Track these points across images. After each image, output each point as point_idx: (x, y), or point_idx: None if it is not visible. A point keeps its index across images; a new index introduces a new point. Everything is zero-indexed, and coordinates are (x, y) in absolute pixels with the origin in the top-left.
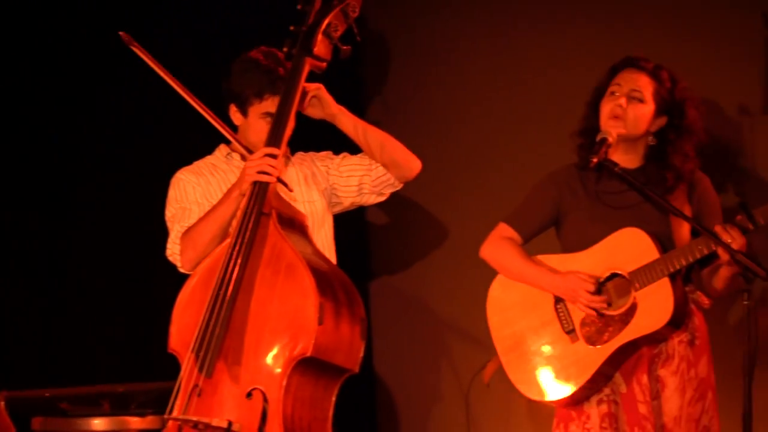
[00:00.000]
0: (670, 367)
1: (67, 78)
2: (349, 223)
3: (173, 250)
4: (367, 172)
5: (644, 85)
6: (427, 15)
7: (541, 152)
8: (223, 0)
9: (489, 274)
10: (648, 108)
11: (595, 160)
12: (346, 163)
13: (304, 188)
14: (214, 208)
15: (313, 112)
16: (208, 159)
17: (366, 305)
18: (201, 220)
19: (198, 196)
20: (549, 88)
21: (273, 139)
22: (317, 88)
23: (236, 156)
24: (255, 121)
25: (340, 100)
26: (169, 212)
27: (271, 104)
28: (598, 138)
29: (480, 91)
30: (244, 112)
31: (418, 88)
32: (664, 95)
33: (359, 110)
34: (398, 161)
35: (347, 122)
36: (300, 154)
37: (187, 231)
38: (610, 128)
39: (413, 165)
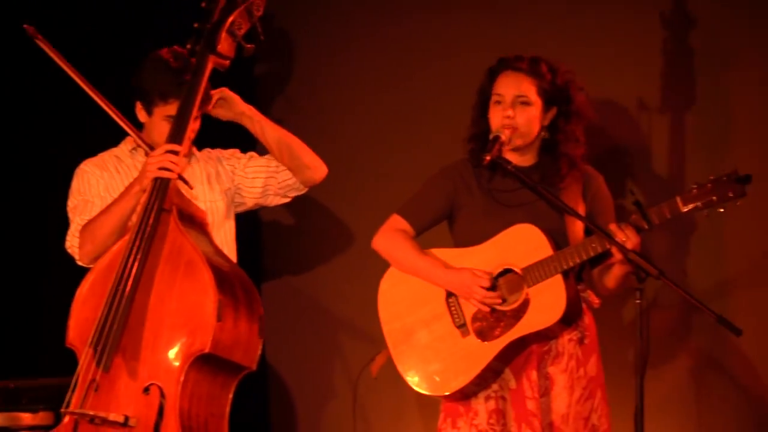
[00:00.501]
0: (560, 365)
1: None
2: (242, 221)
3: (72, 243)
4: (273, 175)
5: (526, 87)
6: (319, 12)
7: (433, 146)
8: None
9: (381, 269)
10: (536, 108)
11: (488, 158)
12: (252, 164)
13: (206, 187)
14: (114, 202)
15: (221, 113)
16: (114, 151)
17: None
18: (101, 214)
19: (101, 190)
20: (439, 81)
21: (175, 136)
22: (221, 91)
23: (141, 151)
24: (158, 122)
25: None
26: (71, 203)
27: (175, 107)
28: (492, 136)
29: (371, 86)
30: (149, 111)
31: (312, 85)
32: (548, 88)
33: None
34: (304, 165)
35: (254, 123)
36: (207, 151)
37: (87, 224)
38: (502, 137)
39: (319, 170)
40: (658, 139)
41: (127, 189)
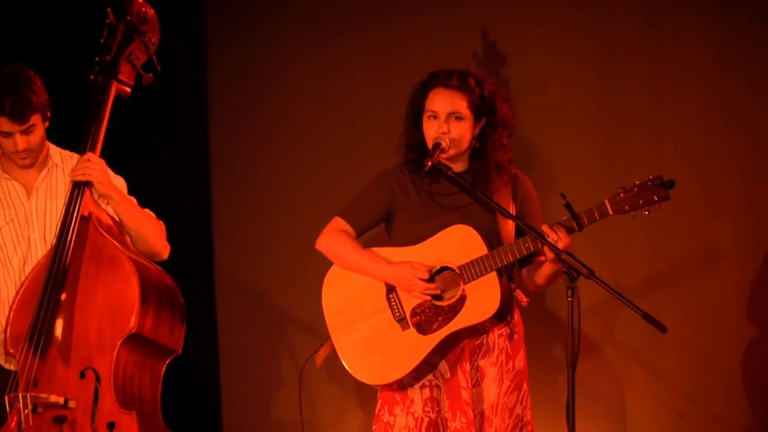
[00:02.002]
0: (490, 359)
1: None
2: (194, 216)
3: None
4: None
5: (458, 103)
6: (265, 20)
7: (370, 151)
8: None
9: (325, 267)
10: (467, 122)
11: (429, 163)
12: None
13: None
14: None
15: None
16: None
17: (212, 294)
18: None
19: None
20: (376, 90)
21: (91, 145)
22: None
23: None
24: None
25: (185, 103)
26: None
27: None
28: (434, 141)
29: (314, 91)
30: None
31: (262, 90)
32: (476, 101)
33: (204, 113)
34: (152, 250)
35: (117, 206)
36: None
37: None
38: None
39: (160, 255)
40: (588, 144)
41: None
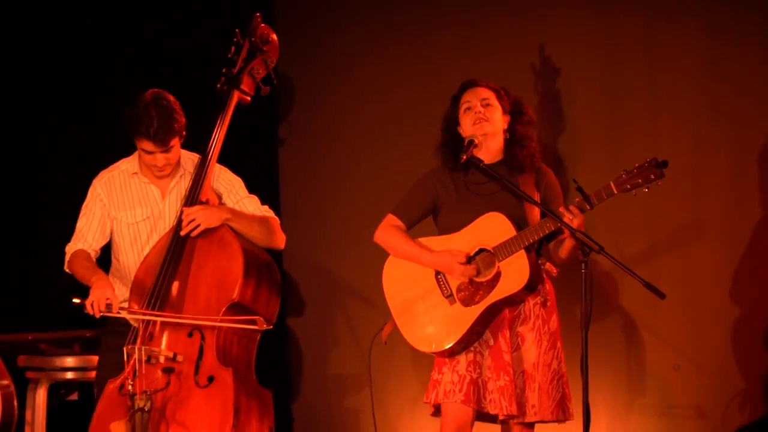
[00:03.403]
0: (527, 325)
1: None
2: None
3: (67, 250)
4: None
5: (488, 94)
6: (330, 30)
7: (419, 147)
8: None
9: (384, 256)
10: (498, 110)
11: (464, 157)
12: (246, 204)
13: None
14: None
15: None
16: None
17: (283, 279)
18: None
19: (101, 211)
20: (421, 96)
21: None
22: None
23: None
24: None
25: (257, 124)
26: (80, 216)
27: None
28: (466, 141)
29: (370, 97)
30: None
31: (324, 96)
32: (504, 102)
33: (274, 120)
34: (264, 243)
35: (233, 223)
36: (218, 167)
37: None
38: (477, 132)
39: (276, 245)
40: (594, 136)
41: None
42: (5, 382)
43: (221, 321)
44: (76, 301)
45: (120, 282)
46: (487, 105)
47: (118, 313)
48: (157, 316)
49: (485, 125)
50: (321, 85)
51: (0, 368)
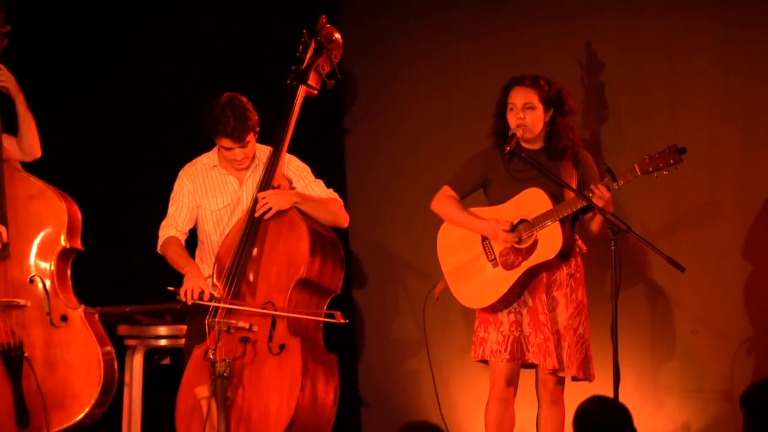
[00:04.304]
0: (560, 291)
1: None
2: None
3: (160, 234)
4: None
5: (531, 96)
6: (384, 40)
7: (474, 134)
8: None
9: (438, 223)
10: (539, 111)
11: (508, 148)
12: (313, 188)
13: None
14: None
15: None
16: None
17: (348, 256)
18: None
19: (188, 199)
20: (477, 87)
21: (282, 135)
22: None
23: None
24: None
25: (324, 116)
26: (170, 203)
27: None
28: (510, 133)
29: (431, 86)
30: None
31: (387, 85)
32: (546, 96)
33: (341, 111)
34: (330, 223)
35: (301, 205)
36: (288, 156)
37: (164, 246)
38: (517, 132)
39: (340, 224)
40: (621, 125)
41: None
42: (107, 348)
43: (300, 313)
44: (171, 289)
45: (205, 262)
46: (529, 108)
47: (209, 302)
48: (239, 305)
49: (523, 129)
50: (383, 80)
51: (103, 337)
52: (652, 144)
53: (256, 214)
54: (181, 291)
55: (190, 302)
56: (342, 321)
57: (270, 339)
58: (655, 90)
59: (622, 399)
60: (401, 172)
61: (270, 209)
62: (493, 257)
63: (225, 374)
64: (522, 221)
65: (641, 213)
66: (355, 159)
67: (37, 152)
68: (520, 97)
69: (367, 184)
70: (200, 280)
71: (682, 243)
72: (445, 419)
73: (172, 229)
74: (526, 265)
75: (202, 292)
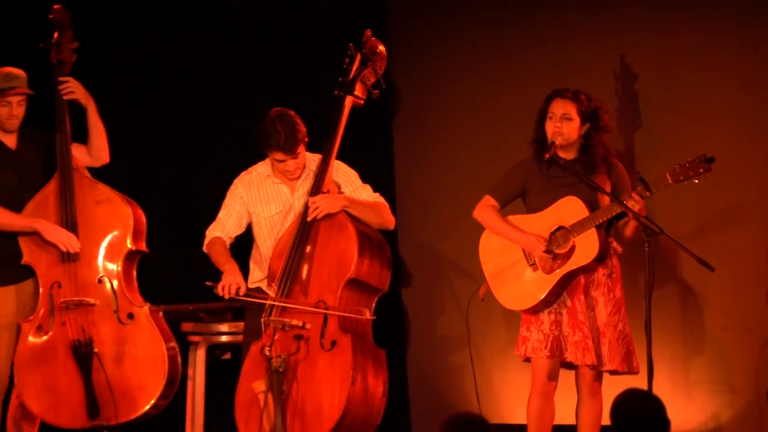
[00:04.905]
0: (599, 291)
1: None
2: (381, 191)
3: (207, 234)
4: None
5: (570, 108)
6: (431, 51)
7: (515, 143)
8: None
9: (480, 230)
10: (575, 123)
11: (547, 156)
12: (361, 193)
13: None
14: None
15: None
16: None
17: (397, 257)
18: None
19: (240, 206)
20: (518, 101)
21: (329, 144)
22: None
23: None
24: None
25: (372, 124)
26: (222, 207)
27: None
28: (549, 142)
29: (470, 106)
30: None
31: (436, 96)
32: (584, 110)
33: (389, 115)
34: (377, 225)
35: (351, 210)
36: (337, 163)
37: (208, 246)
38: (555, 140)
39: (387, 226)
40: (653, 134)
41: None
42: (172, 344)
43: (350, 312)
44: (209, 284)
45: (259, 265)
46: (566, 119)
47: (245, 296)
48: (273, 300)
49: (560, 138)
50: (431, 91)
51: (167, 333)
52: (682, 151)
53: (308, 218)
54: (219, 286)
55: (227, 296)
56: (369, 317)
57: (322, 336)
58: (685, 100)
59: (655, 391)
60: (447, 178)
61: (321, 212)
62: (533, 262)
63: (280, 369)
64: (560, 228)
65: (672, 218)
66: (404, 166)
67: (106, 157)
68: (559, 107)
69: (414, 190)
70: (237, 276)
71: (711, 245)
72: (489, 410)
73: (218, 230)
74: (564, 269)
75: (238, 288)
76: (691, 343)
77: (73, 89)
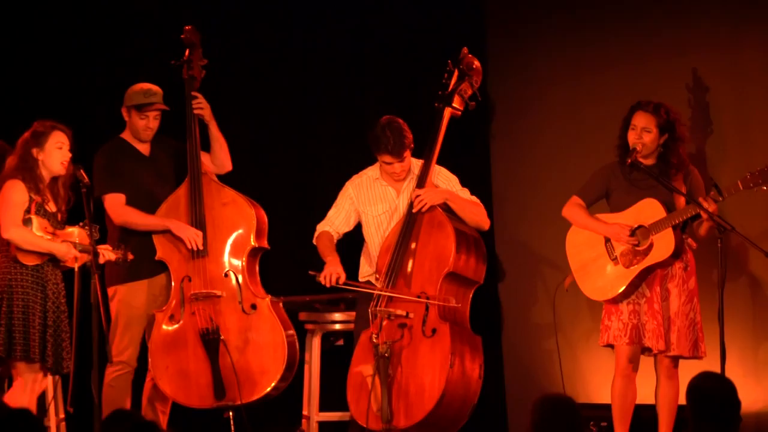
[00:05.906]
0: (673, 282)
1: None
2: (477, 193)
3: (317, 228)
4: None
5: (649, 121)
6: (527, 64)
7: (602, 150)
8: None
9: (567, 226)
10: (654, 134)
11: (629, 161)
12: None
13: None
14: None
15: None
16: (370, 172)
17: (494, 255)
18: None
19: (348, 206)
20: (604, 111)
21: (429, 149)
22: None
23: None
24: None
25: (470, 133)
26: (333, 206)
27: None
28: (631, 148)
29: (561, 116)
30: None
31: (527, 116)
32: (662, 123)
33: (486, 123)
34: (474, 223)
35: (453, 205)
36: (437, 167)
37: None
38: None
39: (482, 226)
40: (724, 141)
41: None
42: (291, 332)
43: (447, 301)
44: (312, 273)
45: (368, 260)
46: (646, 131)
47: (344, 285)
48: (397, 294)
49: (640, 147)
50: (526, 102)
51: (287, 322)
52: (752, 158)
53: (414, 210)
54: (321, 275)
55: (328, 285)
56: (453, 304)
57: (424, 324)
58: (755, 110)
59: (727, 374)
60: (538, 182)
61: (425, 204)
62: (614, 257)
63: (386, 355)
64: (640, 227)
65: (742, 219)
66: (499, 170)
67: (229, 166)
68: (641, 120)
69: (509, 193)
70: (338, 267)
71: None
72: (576, 391)
73: (327, 226)
74: (643, 264)
75: (338, 278)
76: (760, 330)
77: (203, 107)
